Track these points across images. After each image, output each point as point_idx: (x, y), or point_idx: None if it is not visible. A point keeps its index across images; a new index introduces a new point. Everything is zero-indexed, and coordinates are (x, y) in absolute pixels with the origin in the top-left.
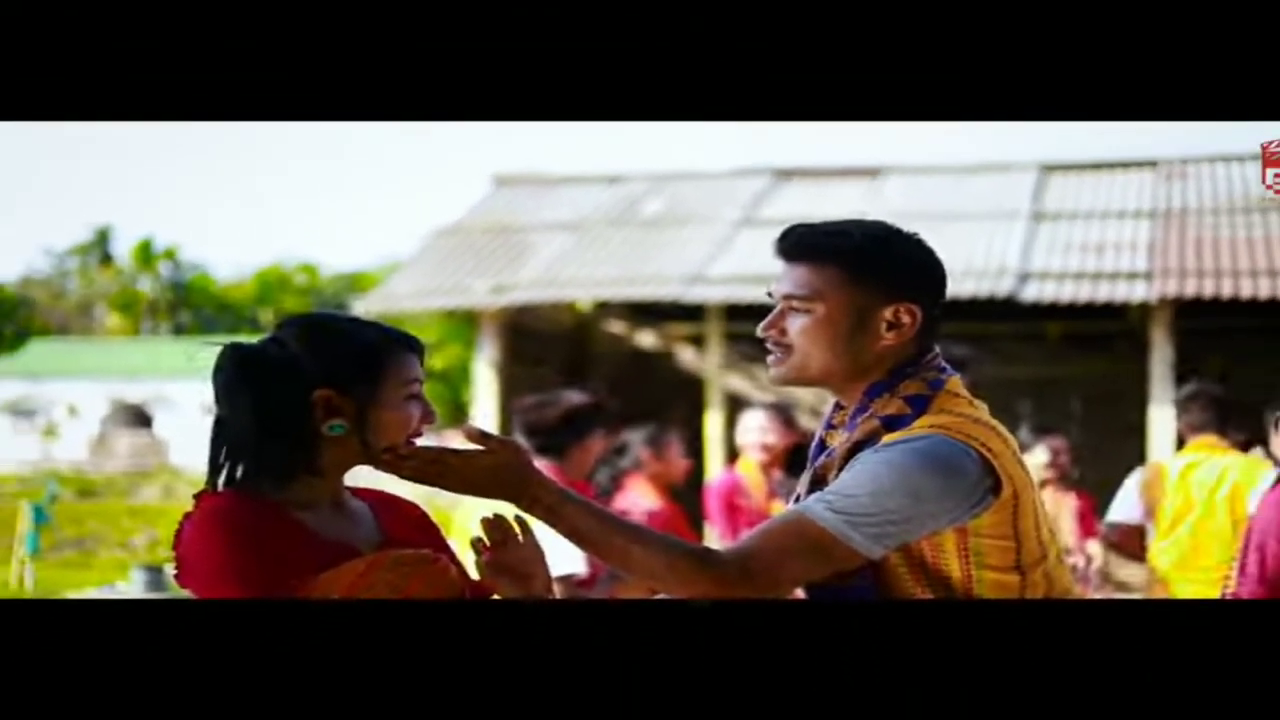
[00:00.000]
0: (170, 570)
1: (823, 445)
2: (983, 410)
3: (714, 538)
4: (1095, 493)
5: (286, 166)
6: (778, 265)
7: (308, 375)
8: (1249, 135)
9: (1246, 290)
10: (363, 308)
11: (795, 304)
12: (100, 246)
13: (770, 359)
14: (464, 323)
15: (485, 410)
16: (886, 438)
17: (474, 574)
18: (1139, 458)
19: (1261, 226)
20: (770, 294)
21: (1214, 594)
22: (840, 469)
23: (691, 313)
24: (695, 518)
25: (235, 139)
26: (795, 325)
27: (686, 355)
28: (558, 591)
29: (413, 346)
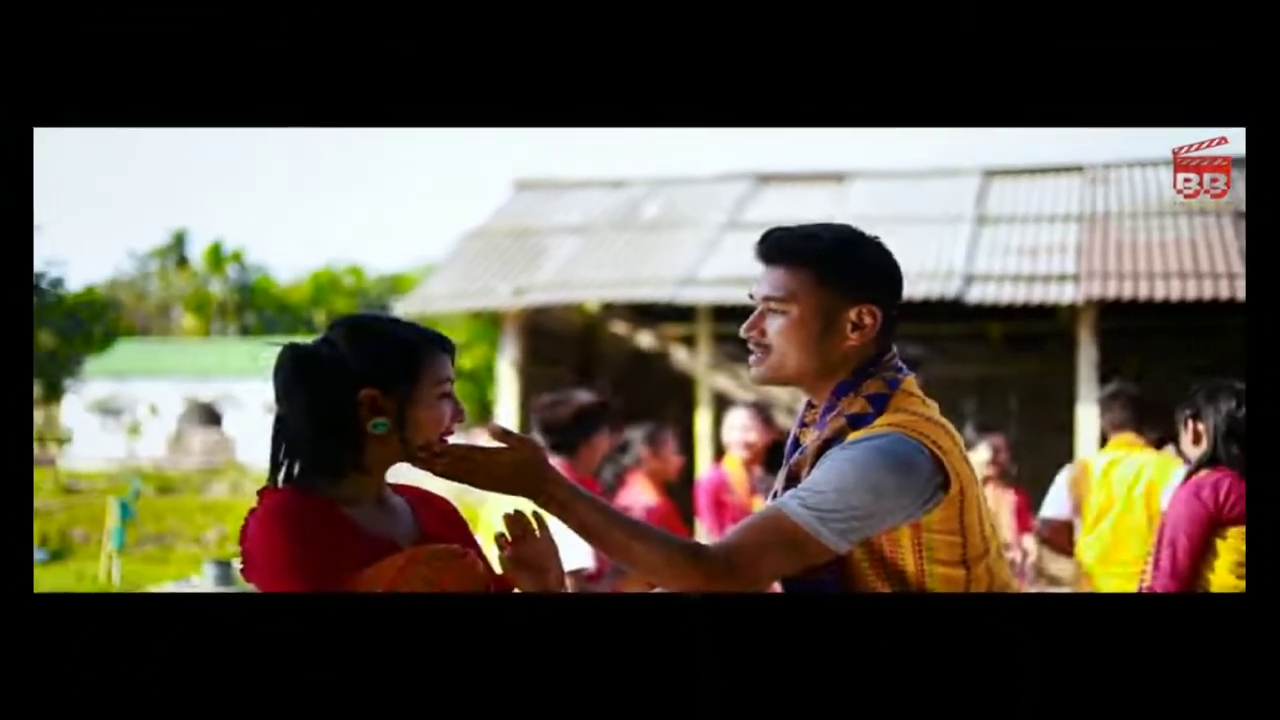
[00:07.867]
0: (237, 564)
1: (797, 443)
2: (934, 409)
3: (703, 533)
4: (1029, 488)
5: (338, 172)
6: (759, 267)
7: (354, 374)
8: (1165, 141)
9: (1160, 292)
10: (402, 309)
11: (773, 305)
12: (177, 250)
13: (751, 359)
14: (489, 324)
15: (508, 408)
16: (851, 436)
17: (497, 568)
18: (1069, 454)
19: (1174, 229)
20: (751, 296)
21: (1133, 587)
22: (812, 465)
23: (684, 314)
24: (686, 512)
25: (289, 146)
26: (773, 326)
27: (679, 355)
28: (568, 585)
29: (445, 347)
